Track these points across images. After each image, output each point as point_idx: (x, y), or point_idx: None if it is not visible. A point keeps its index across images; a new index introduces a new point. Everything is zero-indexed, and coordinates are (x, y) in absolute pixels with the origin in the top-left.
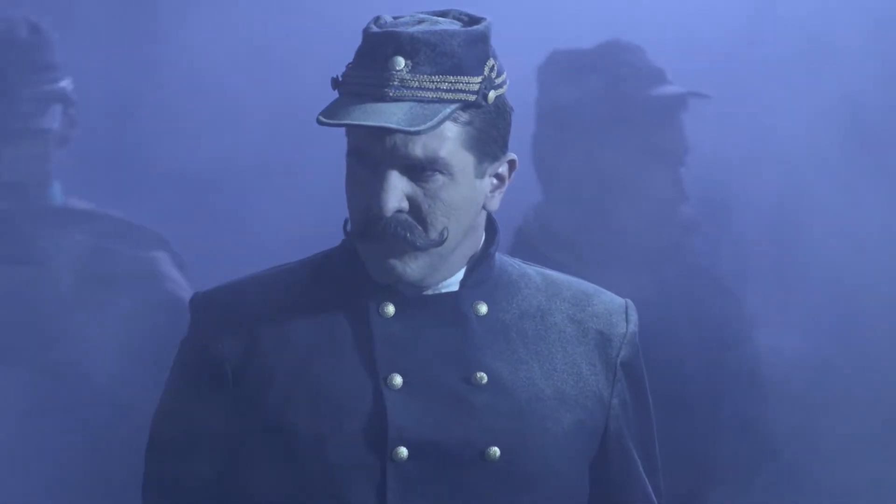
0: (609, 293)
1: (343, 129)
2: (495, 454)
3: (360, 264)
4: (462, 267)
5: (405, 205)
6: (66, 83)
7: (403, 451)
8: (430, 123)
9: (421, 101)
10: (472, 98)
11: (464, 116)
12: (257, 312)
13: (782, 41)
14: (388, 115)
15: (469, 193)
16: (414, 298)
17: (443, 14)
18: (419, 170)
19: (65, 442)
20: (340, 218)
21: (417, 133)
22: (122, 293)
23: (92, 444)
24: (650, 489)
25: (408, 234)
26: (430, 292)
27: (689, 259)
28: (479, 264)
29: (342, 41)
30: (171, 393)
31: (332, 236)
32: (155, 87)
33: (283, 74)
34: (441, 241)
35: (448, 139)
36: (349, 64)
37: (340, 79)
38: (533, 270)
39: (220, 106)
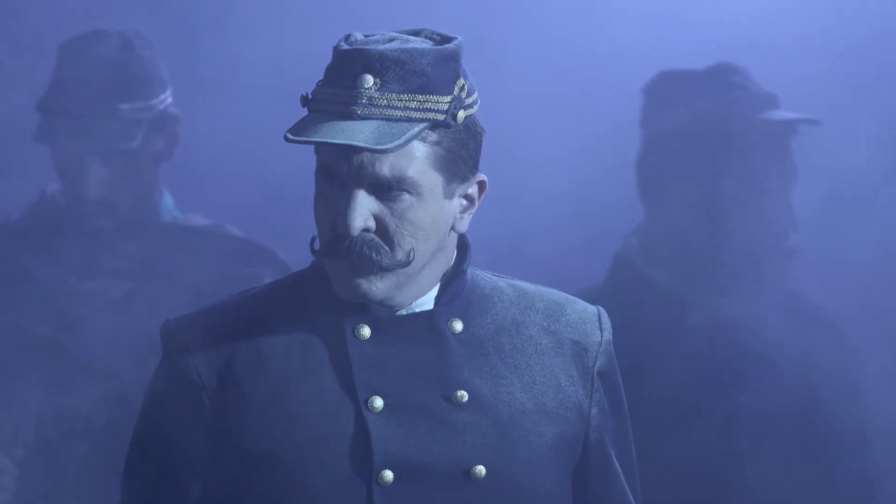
0: (581, 302)
1: (313, 147)
2: (480, 473)
3: (331, 286)
4: (433, 285)
5: (372, 224)
6: (158, 101)
7: (389, 475)
8: (397, 142)
9: (389, 119)
10: (441, 117)
11: (432, 136)
12: (231, 337)
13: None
14: (356, 133)
15: (437, 214)
16: (388, 319)
17: (415, 33)
18: (386, 189)
19: None
20: None
21: (384, 151)
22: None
23: None
24: (630, 496)
25: (374, 254)
26: (403, 312)
27: (791, 286)
28: (452, 281)
29: None
30: (147, 422)
31: None
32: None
33: None
34: (407, 262)
35: (416, 158)
36: (319, 81)
37: (310, 96)
38: (504, 283)
39: None
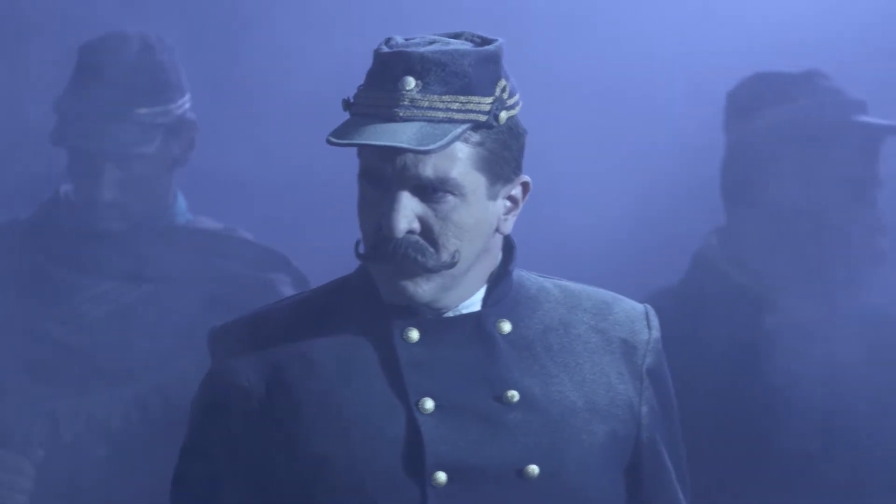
0: (629, 300)
1: (356, 151)
2: (534, 472)
3: (378, 290)
4: (480, 286)
5: (416, 226)
6: (176, 105)
7: (442, 476)
8: (440, 143)
9: (431, 120)
10: (483, 118)
11: (475, 137)
12: (279, 343)
13: None
14: (398, 134)
15: (481, 215)
16: (436, 321)
17: (455, 36)
18: (430, 191)
19: (165, 459)
20: None
21: (427, 152)
22: (239, 315)
23: None
24: (681, 495)
25: (419, 256)
26: (451, 314)
27: (874, 293)
28: (498, 282)
29: None
30: (196, 429)
31: None
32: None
33: None
34: (452, 263)
35: (459, 160)
36: (360, 85)
37: (352, 100)
38: (550, 283)
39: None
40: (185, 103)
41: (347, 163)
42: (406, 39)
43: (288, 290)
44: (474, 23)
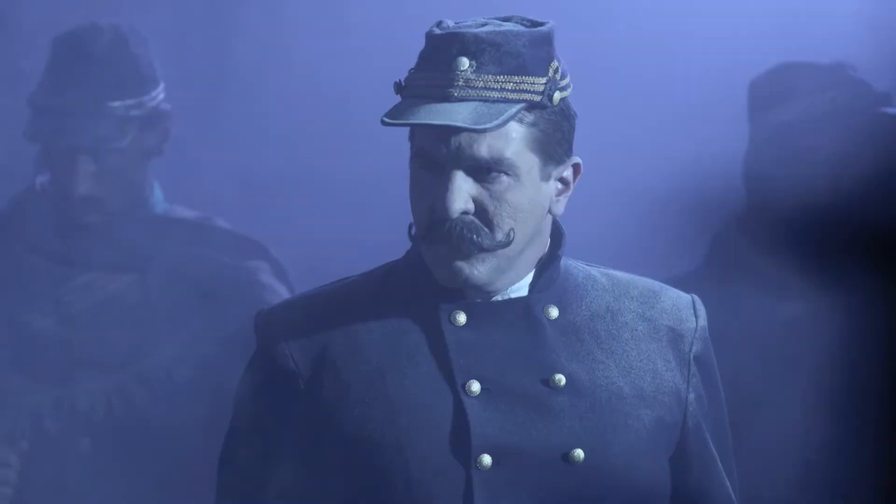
0: (675, 290)
1: (407, 135)
2: (579, 456)
3: (426, 274)
4: (529, 271)
5: (471, 206)
6: (149, 97)
7: (487, 459)
8: (496, 122)
9: (486, 100)
10: (538, 98)
11: (529, 117)
12: (326, 326)
13: None
14: (453, 114)
15: (534, 196)
16: (484, 305)
17: (505, 20)
18: (485, 171)
19: (149, 449)
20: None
21: (483, 131)
22: (220, 303)
23: (176, 452)
24: (728, 483)
25: (474, 236)
26: (498, 298)
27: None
28: (547, 268)
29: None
30: (242, 411)
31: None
32: (247, 94)
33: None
34: (508, 243)
35: (513, 139)
36: (411, 69)
37: (403, 83)
38: (597, 272)
39: (318, 111)
40: (158, 94)
41: (323, 153)
42: (456, 23)
43: (268, 279)
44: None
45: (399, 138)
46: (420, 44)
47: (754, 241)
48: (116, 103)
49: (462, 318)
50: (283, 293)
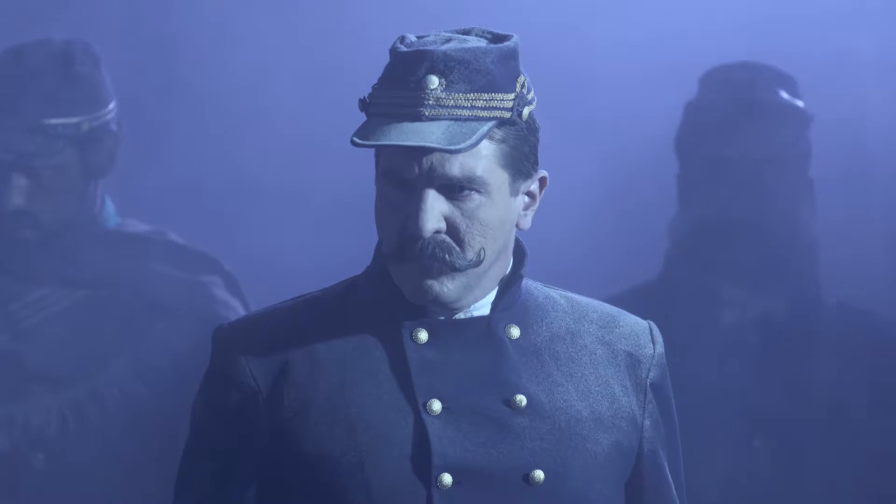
0: (632, 315)
1: (371, 152)
2: (540, 478)
3: (388, 289)
4: (492, 289)
5: (443, 225)
6: (91, 117)
7: (448, 478)
8: (469, 141)
9: (457, 119)
10: (507, 115)
11: (498, 134)
12: (286, 342)
13: None
14: (427, 134)
15: (504, 212)
16: (446, 323)
17: (465, 32)
18: (456, 189)
19: (103, 465)
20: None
21: (458, 151)
22: (173, 318)
23: (131, 469)
24: None
25: (446, 256)
26: (461, 316)
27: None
28: (510, 287)
29: (379, 60)
30: (200, 427)
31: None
32: (194, 109)
33: (325, 91)
34: (479, 262)
35: (484, 157)
36: (375, 85)
37: (368, 100)
38: (557, 293)
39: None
40: (104, 115)
41: (277, 168)
42: (419, 37)
43: (221, 293)
44: (439, 22)
45: (357, 152)
46: (373, 52)
47: (686, 250)
48: (53, 121)
49: (424, 335)
50: (236, 307)
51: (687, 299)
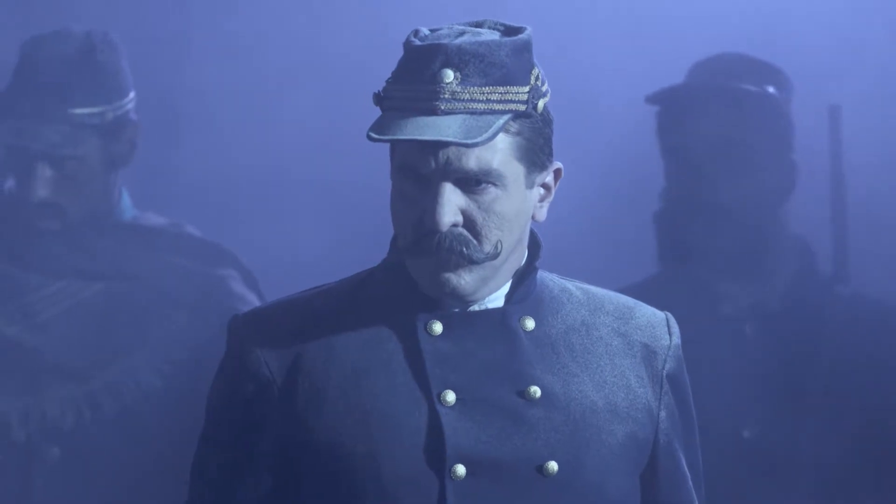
0: (649, 306)
1: (386, 145)
2: (553, 469)
3: (404, 282)
4: (506, 281)
5: (459, 218)
6: (113, 107)
7: (461, 469)
8: (485, 135)
9: (473, 113)
10: (523, 108)
11: (514, 127)
12: (301, 332)
13: None
14: (443, 128)
15: (520, 205)
16: (460, 315)
17: (477, 24)
18: (473, 183)
19: (119, 458)
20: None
21: (475, 145)
22: (189, 310)
23: (146, 460)
24: (697, 501)
25: (464, 249)
26: (475, 308)
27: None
28: (524, 279)
29: (392, 55)
30: (215, 417)
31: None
32: (219, 102)
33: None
34: (496, 254)
35: (500, 150)
36: (389, 79)
37: (383, 94)
38: (572, 285)
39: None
40: (125, 104)
41: (295, 162)
42: (432, 31)
43: (237, 286)
44: (450, 15)
45: (372, 146)
46: (390, 47)
47: (671, 247)
48: (77, 110)
49: (438, 327)
50: (252, 301)
51: (677, 290)
